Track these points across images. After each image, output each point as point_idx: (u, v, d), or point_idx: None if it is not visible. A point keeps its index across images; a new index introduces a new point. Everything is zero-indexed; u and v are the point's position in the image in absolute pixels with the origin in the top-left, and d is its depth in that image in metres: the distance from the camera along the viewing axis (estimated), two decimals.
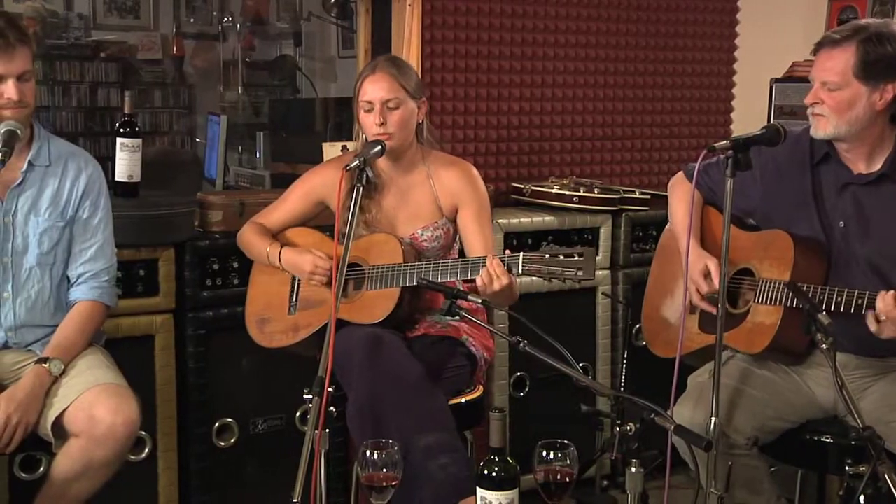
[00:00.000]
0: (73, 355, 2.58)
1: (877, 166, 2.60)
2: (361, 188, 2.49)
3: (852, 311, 2.44)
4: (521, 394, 3.70)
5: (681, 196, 2.88)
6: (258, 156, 5.08)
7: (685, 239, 2.71)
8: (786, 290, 2.54)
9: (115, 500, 2.62)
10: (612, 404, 2.16)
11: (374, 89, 2.69)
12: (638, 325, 3.62)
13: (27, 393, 2.46)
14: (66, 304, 2.67)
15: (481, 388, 2.84)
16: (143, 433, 3.04)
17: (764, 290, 2.62)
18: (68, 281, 2.68)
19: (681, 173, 2.96)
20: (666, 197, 2.98)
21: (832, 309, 2.46)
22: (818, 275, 2.59)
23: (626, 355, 3.74)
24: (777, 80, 4.20)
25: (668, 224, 3.00)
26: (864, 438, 2.19)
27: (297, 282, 2.82)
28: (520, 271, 2.44)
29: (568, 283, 2.42)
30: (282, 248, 2.81)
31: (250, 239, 2.88)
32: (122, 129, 3.06)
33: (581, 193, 3.74)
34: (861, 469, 2.29)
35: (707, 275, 2.71)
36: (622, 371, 3.74)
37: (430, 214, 2.79)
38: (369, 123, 2.69)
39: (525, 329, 2.33)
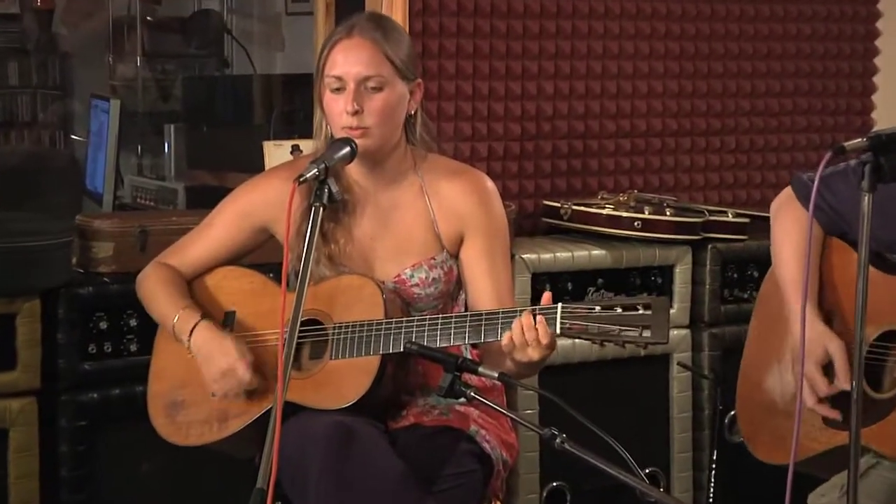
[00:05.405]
0: None
1: None
2: (321, 208, 2.51)
3: None
4: None
5: (789, 227, 2.89)
6: (167, 160, 5.11)
7: (797, 299, 2.72)
8: None
9: None
10: None
11: (349, 60, 2.71)
12: (732, 412, 3.62)
13: None
14: None
15: (499, 503, 2.85)
16: None
17: None
18: None
19: (788, 191, 2.97)
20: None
21: None
22: None
23: (714, 457, 3.74)
24: None
25: (773, 267, 3.01)
26: None
27: None
28: (557, 330, 2.45)
29: (629, 348, 2.43)
30: (201, 319, 2.82)
31: (154, 292, 2.88)
32: None
33: (646, 216, 3.76)
34: None
35: (827, 365, 2.72)
36: (710, 480, 3.74)
37: (423, 247, 2.81)
38: (338, 110, 2.71)
39: (564, 417, 2.34)
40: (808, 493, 2.74)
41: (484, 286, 2.79)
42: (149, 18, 6.65)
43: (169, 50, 6.72)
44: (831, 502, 2.67)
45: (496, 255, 2.82)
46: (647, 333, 2.37)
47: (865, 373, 2.65)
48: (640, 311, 2.38)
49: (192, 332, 2.78)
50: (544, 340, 2.45)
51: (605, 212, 3.78)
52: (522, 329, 2.46)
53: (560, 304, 2.46)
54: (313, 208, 2.50)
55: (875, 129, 3.05)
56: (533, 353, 2.47)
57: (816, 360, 2.73)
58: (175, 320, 2.80)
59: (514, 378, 2.53)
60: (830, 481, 2.75)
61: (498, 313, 2.55)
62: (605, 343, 2.42)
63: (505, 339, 2.49)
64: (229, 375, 2.72)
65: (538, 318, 2.46)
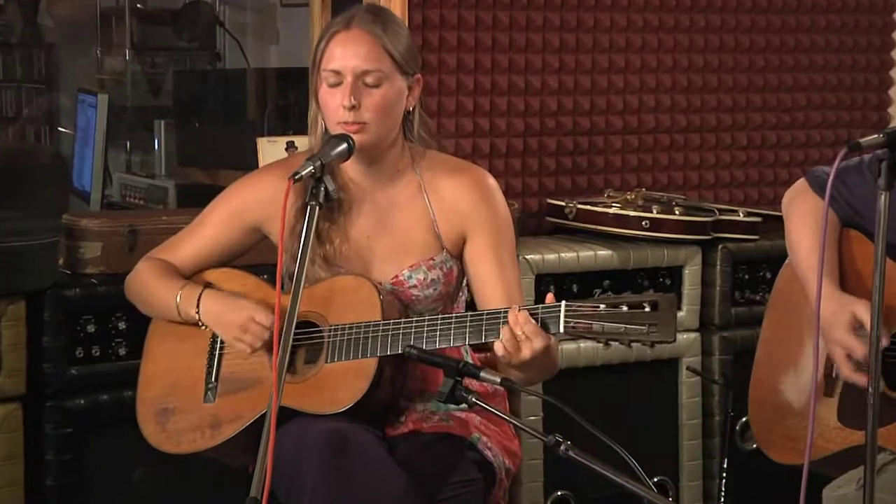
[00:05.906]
0: None
1: None
2: (318, 207, 2.51)
3: None
4: None
5: (803, 218, 2.90)
6: (157, 157, 5.11)
7: (815, 280, 2.72)
8: None
9: None
10: None
11: (347, 54, 2.72)
12: (745, 418, 3.63)
13: None
14: None
15: None
16: None
17: None
18: None
19: (802, 182, 2.98)
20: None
21: None
22: None
23: (725, 464, 3.74)
24: None
25: (787, 260, 3.02)
26: None
27: (217, 351, 2.85)
28: (560, 329, 2.46)
29: (635, 348, 2.43)
30: (204, 289, 2.83)
31: (147, 282, 2.89)
32: None
33: (654, 215, 3.76)
34: None
35: (860, 327, 2.71)
36: (720, 489, 3.74)
37: (423, 247, 2.82)
38: (334, 105, 2.72)
39: (569, 423, 2.34)
40: (820, 492, 2.75)
41: (494, 288, 2.79)
42: (139, 7, 6.64)
43: (159, 42, 6.70)
44: (847, 495, 2.68)
45: (503, 254, 2.82)
46: (653, 332, 2.38)
47: (883, 372, 2.65)
48: (647, 309, 2.38)
49: (199, 300, 2.79)
50: (526, 328, 2.45)
51: (611, 211, 3.78)
52: (513, 324, 2.47)
53: (563, 302, 2.46)
54: (309, 207, 2.50)
55: (892, 124, 3.05)
56: (525, 351, 2.47)
57: (845, 325, 2.73)
58: (178, 299, 2.81)
59: (519, 384, 2.53)
60: (846, 475, 2.76)
61: (499, 312, 2.55)
62: (611, 342, 2.42)
63: (500, 341, 2.50)
64: (251, 326, 2.72)
65: (522, 312, 2.47)
